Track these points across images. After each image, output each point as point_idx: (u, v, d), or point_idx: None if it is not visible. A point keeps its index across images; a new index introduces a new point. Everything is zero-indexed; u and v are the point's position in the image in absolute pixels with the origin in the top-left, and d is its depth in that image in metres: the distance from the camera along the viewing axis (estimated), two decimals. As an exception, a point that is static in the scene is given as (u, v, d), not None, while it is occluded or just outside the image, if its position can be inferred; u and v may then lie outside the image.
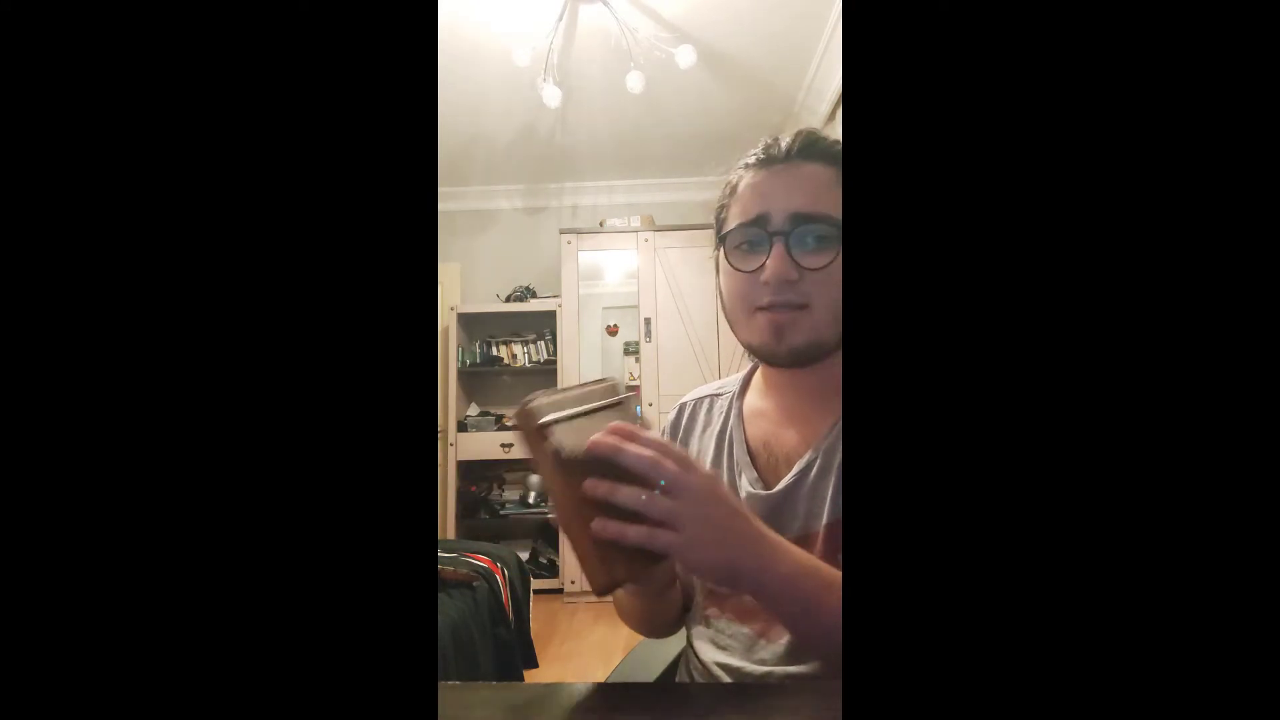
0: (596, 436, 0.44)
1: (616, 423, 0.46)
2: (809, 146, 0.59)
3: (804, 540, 0.57)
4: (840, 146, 0.59)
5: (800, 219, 0.57)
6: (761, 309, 0.58)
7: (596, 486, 0.43)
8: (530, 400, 0.46)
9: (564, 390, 0.48)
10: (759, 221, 0.58)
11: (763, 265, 0.57)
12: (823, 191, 0.57)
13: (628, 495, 0.43)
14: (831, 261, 0.56)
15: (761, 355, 0.61)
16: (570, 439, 0.45)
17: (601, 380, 0.52)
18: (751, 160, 0.62)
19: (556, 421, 0.45)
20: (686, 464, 0.45)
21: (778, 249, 0.56)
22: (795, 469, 0.60)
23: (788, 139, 0.60)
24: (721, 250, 0.62)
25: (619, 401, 0.51)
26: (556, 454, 0.44)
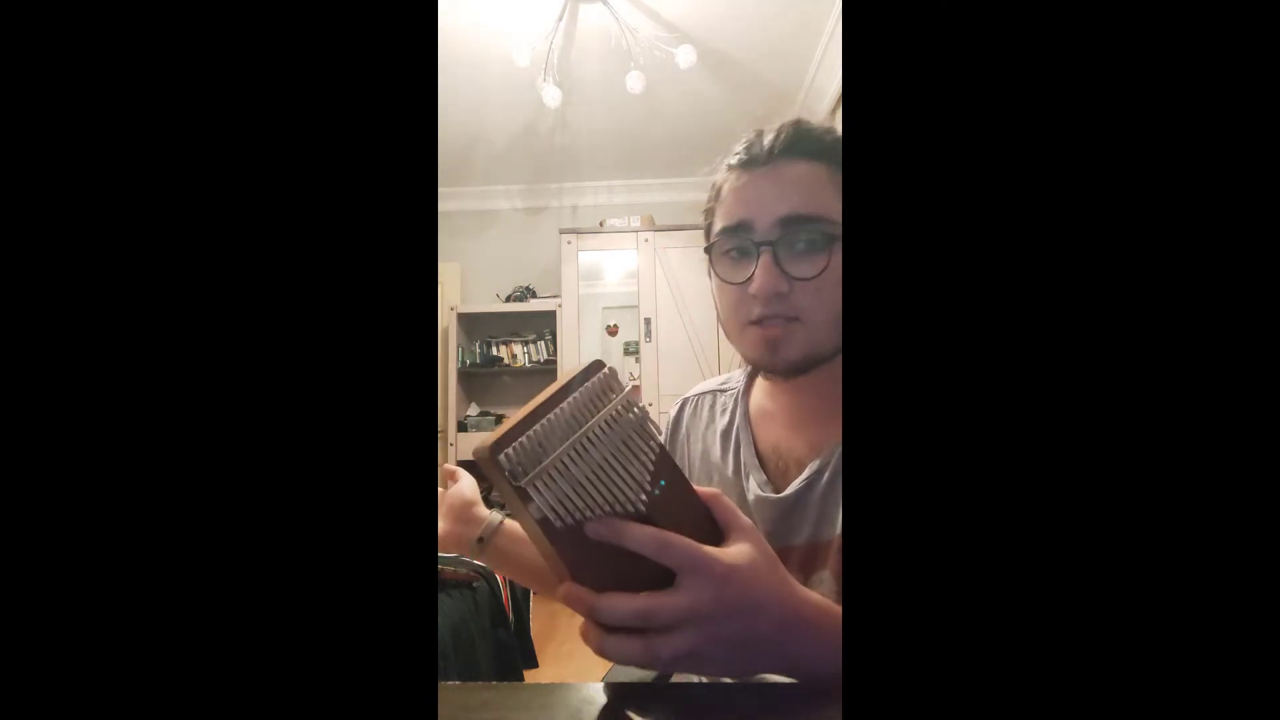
0: (593, 524, 0.35)
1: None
2: (795, 143, 0.55)
3: (815, 549, 0.56)
4: (833, 136, 0.56)
5: (786, 224, 0.53)
6: (753, 323, 0.55)
7: (571, 592, 0.35)
8: (496, 442, 0.33)
9: (537, 410, 0.34)
10: (742, 228, 0.54)
11: (751, 276, 0.54)
12: (812, 192, 0.53)
13: (611, 604, 0.34)
14: (824, 270, 0.52)
15: (758, 368, 0.59)
16: (555, 494, 0.34)
17: (571, 377, 0.36)
18: (734, 161, 0.57)
19: (538, 477, 0.34)
20: (709, 537, 0.37)
21: (764, 259, 0.53)
22: (806, 473, 0.57)
23: (771, 135, 0.55)
24: (709, 259, 0.59)
25: (602, 388, 0.36)
26: (545, 523, 0.34)
